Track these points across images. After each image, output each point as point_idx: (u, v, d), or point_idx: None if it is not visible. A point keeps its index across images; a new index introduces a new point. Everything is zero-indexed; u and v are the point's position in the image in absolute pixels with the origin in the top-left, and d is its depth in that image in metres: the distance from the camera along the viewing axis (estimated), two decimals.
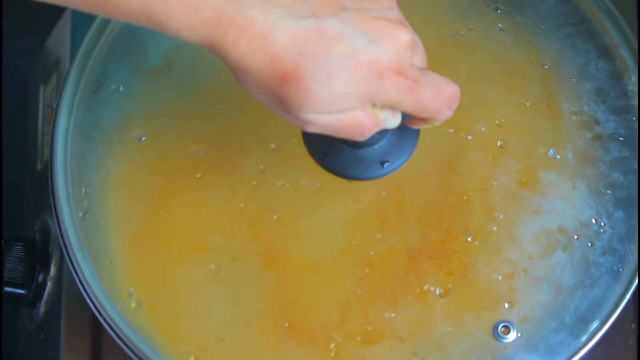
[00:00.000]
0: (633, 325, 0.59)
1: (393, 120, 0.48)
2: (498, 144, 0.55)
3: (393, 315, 0.52)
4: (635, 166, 0.55)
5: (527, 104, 0.56)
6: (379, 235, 0.53)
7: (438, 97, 0.47)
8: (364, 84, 0.44)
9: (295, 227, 0.54)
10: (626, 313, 0.57)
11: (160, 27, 0.44)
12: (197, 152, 0.55)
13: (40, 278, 0.61)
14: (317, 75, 0.43)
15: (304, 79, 0.43)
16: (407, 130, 0.52)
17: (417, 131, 0.54)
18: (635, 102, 0.57)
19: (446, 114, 0.47)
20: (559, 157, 0.55)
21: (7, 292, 0.60)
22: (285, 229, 0.54)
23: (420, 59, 0.47)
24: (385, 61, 0.44)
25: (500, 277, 0.53)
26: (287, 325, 0.52)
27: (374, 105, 0.46)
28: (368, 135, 0.47)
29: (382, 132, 0.50)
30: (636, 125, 0.56)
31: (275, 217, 0.54)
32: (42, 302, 0.61)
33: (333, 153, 0.52)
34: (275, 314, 0.52)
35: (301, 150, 0.54)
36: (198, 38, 0.44)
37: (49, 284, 0.61)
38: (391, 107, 0.46)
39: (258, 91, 0.45)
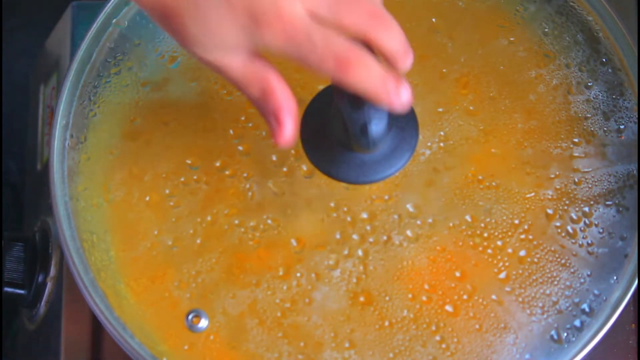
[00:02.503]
0: (633, 325, 0.59)
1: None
2: (497, 145, 0.55)
3: (392, 314, 0.52)
4: (636, 167, 0.55)
5: (527, 104, 0.56)
6: (379, 237, 0.53)
7: (329, 52, 0.44)
8: (239, 28, 0.44)
9: (292, 231, 0.54)
10: (626, 313, 0.57)
11: None
12: (195, 154, 0.56)
13: (40, 278, 0.61)
14: (191, 12, 0.44)
15: (179, 14, 0.44)
16: (406, 133, 0.52)
17: (416, 133, 0.53)
18: (636, 102, 0.57)
19: (343, 73, 0.44)
20: (559, 157, 0.55)
21: (7, 292, 0.60)
22: (285, 232, 0.54)
23: (325, 10, 0.44)
24: (261, 6, 0.43)
25: (500, 277, 0.53)
26: (286, 325, 0.52)
27: (257, 53, 0.45)
28: (259, 87, 0.46)
29: (382, 136, 0.49)
30: (636, 125, 0.56)
31: (270, 222, 0.54)
32: (42, 302, 0.61)
33: (331, 157, 0.52)
34: (275, 316, 0.52)
35: (300, 153, 0.54)
36: None
37: (49, 284, 0.61)
38: (280, 55, 0.44)
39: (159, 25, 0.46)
